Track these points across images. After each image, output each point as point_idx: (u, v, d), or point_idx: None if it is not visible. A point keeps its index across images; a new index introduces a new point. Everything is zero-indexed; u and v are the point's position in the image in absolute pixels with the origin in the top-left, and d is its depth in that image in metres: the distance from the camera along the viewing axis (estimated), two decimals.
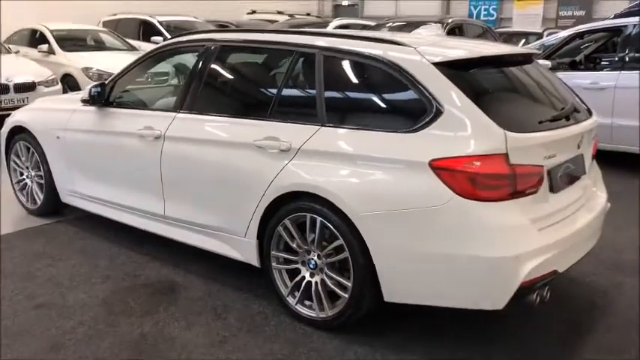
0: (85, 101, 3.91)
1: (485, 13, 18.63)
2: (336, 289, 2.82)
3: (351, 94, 3.01)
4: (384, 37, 3.03)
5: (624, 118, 6.07)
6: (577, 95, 3.28)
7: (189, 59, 4.27)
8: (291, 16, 15.05)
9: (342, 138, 2.79)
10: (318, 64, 2.96)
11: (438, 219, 2.49)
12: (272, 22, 13.73)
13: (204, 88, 3.44)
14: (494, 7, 18.59)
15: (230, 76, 3.63)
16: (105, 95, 3.87)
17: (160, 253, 3.81)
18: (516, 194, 2.50)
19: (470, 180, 2.44)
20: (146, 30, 12.06)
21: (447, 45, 3.16)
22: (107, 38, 11.12)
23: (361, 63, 2.88)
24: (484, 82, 2.86)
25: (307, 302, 2.96)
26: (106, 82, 3.94)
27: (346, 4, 22.14)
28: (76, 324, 2.97)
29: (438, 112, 2.56)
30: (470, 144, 2.47)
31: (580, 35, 7.27)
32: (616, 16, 9.48)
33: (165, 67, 5.63)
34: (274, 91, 3.18)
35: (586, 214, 2.94)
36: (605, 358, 2.73)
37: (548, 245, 2.55)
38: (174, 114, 3.47)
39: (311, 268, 2.92)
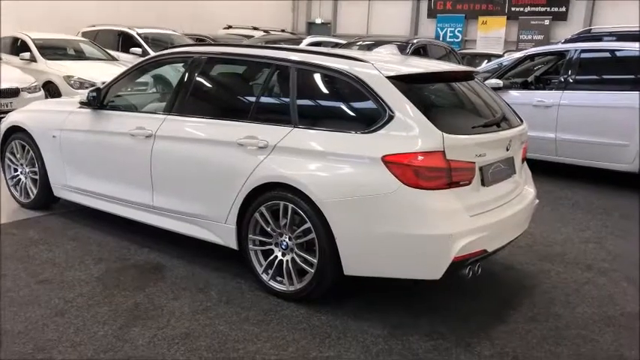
0: (83, 103, 4.36)
1: (451, 34, 19.57)
2: (304, 266, 3.32)
3: (319, 101, 3.54)
4: (347, 54, 3.57)
5: (566, 133, 6.76)
6: (511, 107, 3.86)
7: (167, 70, 4.75)
8: (266, 32, 15.62)
9: (311, 137, 3.30)
10: (292, 75, 3.49)
11: (387, 204, 3.02)
12: (247, 37, 14.26)
13: (192, 93, 3.93)
14: (460, 29, 19.55)
15: (215, 84, 4.14)
16: (100, 99, 4.32)
17: (146, 241, 4.26)
18: (452, 184, 3.05)
19: (414, 172, 2.98)
20: (125, 41, 12.46)
21: (401, 62, 3.73)
22: (87, 48, 11.46)
23: (328, 75, 3.41)
24: (429, 93, 3.43)
25: (279, 278, 3.44)
26: (101, 87, 4.40)
27: (319, 22, 22.92)
28: (76, 295, 3.39)
29: (390, 117, 3.11)
30: (414, 143, 3.02)
31: (531, 57, 7.98)
32: (566, 41, 10.34)
33: (144, 77, 6.07)
34: (254, 97, 3.70)
35: (514, 207, 3.50)
36: (526, 326, 3.27)
37: (478, 228, 3.10)
38: (164, 116, 3.95)
39: (283, 249, 3.41)
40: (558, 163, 6.98)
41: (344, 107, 3.40)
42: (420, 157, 2.99)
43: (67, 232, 4.44)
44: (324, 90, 3.48)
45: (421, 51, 10.62)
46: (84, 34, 12.92)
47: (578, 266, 4.19)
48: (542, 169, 7.04)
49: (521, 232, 3.62)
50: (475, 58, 14.26)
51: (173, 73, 4.99)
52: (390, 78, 3.21)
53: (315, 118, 3.40)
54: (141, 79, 4.81)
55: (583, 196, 6.25)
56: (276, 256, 3.44)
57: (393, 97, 3.15)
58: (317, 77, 3.47)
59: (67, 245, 4.18)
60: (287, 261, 3.39)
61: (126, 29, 12.61)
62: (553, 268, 4.14)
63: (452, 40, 19.04)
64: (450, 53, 11.81)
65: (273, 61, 3.64)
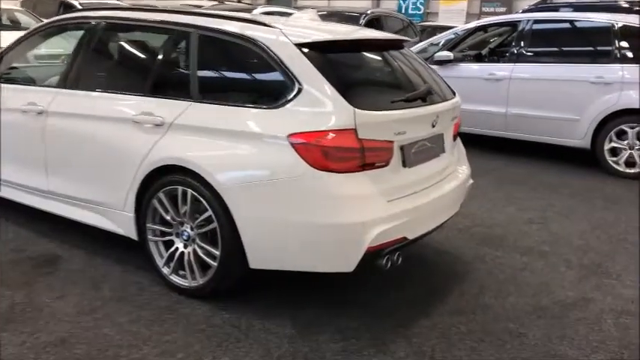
0: None
1: (413, 7, 19.17)
2: (207, 259, 2.95)
3: (222, 72, 3.15)
4: (256, 18, 3.16)
5: (517, 107, 6.50)
6: (443, 80, 3.52)
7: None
8: (220, 1, 14.96)
9: (212, 113, 2.91)
10: (192, 42, 3.08)
11: (293, 190, 2.67)
12: (199, 7, 13.61)
13: (86, 64, 3.49)
14: (422, 1, 19.16)
15: (111, 54, 3.69)
16: None
17: (50, 230, 3.83)
18: (365, 166, 2.70)
19: (322, 153, 2.62)
20: (66, 11, 11.70)
21: (316, 28, 3.34)
22: (23, 18, 10.73)
23: (231, 42, 3.00)
24: (344, 63, 3.05)
25: (181, 272, 3.08)
26: None
27: None
28: None
29: (298, 91, 2.73)
30: (322, 120, 2.66)
31: (484, 29, 7.66)
32: (524, 12, 10.04)
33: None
34: (152, 67, 3.27)
35: (442, 189, 3.18)
36: (451, 319, 2.98)
37: (397, 214, 2.77)
38: (57, 90, 3.50)
39: (184, 240, 3.04)
40: (508, 139, 6.74)
41: (249, 79, 3.02)
42: (329, 136, 2.63)
43: None
44: (227, 59, 3.09)
45: (375, 23, 10.19)
46: (22, 4, 12.15)
47: (517, 250, 3.94)
48: (491, 146, 6.81)
49: (450, 215, 3.31)
50: (436, 31, 13.89)
51: None
52: (299, 45, 2.83)
53: (216, 92, 3.02)
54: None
55: (531, 173, 6.01)
56: (177, 248, 3.07)
57: (302, 67, 2.77)
58: (219, 44, 3.06)
59: None
60: (189, 253, 3.03)
61: None
62: (490, 252, 3.88)
63: (414, 12, 18.65)
64: (407, 26, 11.42)
65: (173, 27, 3.22)
